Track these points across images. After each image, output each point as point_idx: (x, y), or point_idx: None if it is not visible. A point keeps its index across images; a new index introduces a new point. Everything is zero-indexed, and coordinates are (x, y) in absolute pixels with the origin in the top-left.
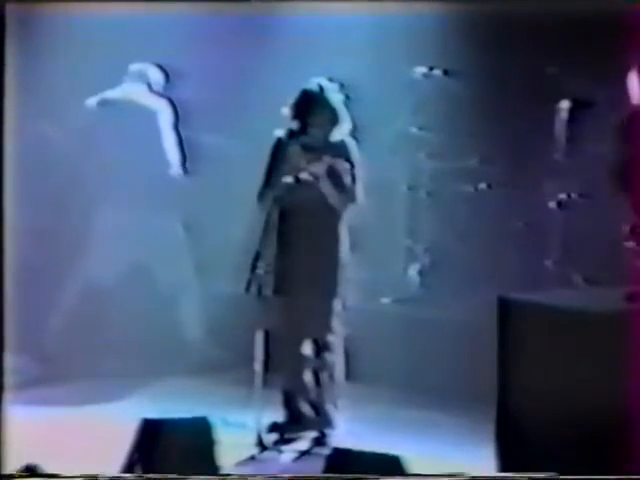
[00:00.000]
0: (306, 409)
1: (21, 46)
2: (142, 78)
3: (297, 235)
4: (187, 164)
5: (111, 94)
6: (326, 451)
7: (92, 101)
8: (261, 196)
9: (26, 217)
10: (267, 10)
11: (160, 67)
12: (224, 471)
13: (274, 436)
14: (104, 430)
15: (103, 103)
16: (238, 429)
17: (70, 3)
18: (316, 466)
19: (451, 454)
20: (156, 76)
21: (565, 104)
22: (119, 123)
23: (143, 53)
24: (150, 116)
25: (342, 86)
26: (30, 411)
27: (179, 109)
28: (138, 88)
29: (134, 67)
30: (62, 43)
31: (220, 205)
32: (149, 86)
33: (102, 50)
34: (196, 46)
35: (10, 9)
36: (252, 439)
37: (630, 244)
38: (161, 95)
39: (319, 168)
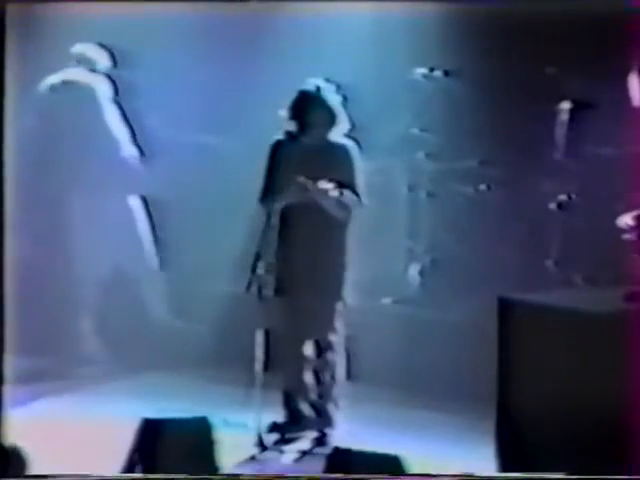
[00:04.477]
0: (306, 409)
1: (21, 46)
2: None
3: (298, 235)
4: (138, 143)
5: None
6: (327, 451)
7: None
8: (263, 199)
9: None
10: (265, 10)
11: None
12: (224, 471)
13: (274, 436)
14: (104, 430)
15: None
16: (238, 429)
17: (70, 3)
18: (317, 466)
19: (451, 454)
20: (98, 56)
21: (565, 105)
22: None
23: (141, 53)
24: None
25: (339, 87)
26: (30, 411)
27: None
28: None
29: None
30: (62, 43)
31: (220, 205)
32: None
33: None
34: (195, 46)
35: (10, 9)
36: (252, 439)
37: (629, 236)
38: (102, 74)
39: (321, 194)
